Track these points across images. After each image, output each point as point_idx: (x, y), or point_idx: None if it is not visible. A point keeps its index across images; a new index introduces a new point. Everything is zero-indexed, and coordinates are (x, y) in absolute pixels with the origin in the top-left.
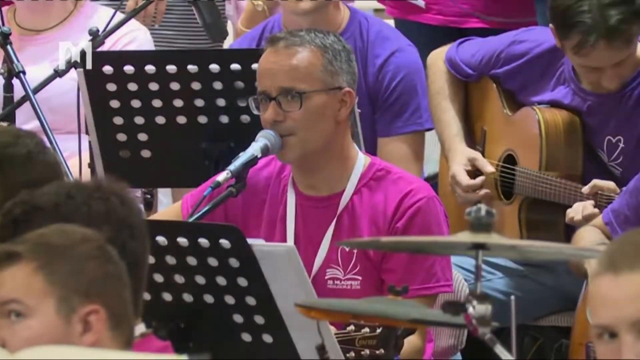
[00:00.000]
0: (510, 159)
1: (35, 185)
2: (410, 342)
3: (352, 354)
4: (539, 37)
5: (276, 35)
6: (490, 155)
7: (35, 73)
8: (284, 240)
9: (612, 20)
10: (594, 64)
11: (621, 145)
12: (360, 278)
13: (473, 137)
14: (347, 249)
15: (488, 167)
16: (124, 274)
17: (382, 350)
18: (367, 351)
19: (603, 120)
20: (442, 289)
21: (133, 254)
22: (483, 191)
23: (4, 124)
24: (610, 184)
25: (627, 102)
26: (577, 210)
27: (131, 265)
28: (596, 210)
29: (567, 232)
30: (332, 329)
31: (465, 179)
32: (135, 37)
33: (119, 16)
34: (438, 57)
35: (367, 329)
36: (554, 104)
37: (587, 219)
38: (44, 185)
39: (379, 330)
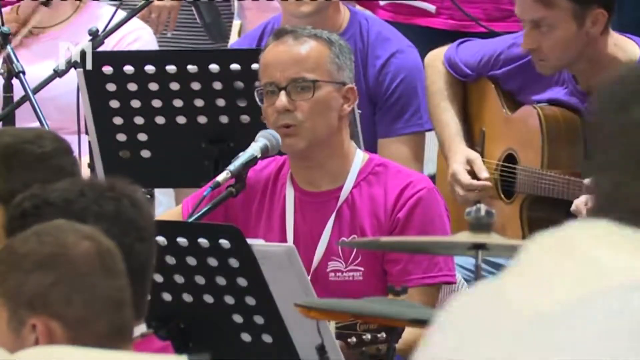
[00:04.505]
0: (510, 159)
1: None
2: (411, 330)
3: (354, 339)
4: None
5: (283, 28)
6: (490, 156)
7: (39, 72)
8: (284, 235)
9: None
10: (517, 12)
11: None
12: (362, 269)
13: (472, 138)
14: (347, 241)
15: (484, 173)
16: (88, 279)
17: (383, 334)
18: (369, 335)
19: None
20: (445, 278)
21: (139, 256)
22: (482, 183)
23: None
24: None
25: None
26: (583, 202)
27: (136, 267)
28: None
29: None
30: None
31: (466, 178)
32: (139, 36)
33: (121, 15)
34: (436, 57)
35: None
36: (553, 102)
37: None
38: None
39: None
